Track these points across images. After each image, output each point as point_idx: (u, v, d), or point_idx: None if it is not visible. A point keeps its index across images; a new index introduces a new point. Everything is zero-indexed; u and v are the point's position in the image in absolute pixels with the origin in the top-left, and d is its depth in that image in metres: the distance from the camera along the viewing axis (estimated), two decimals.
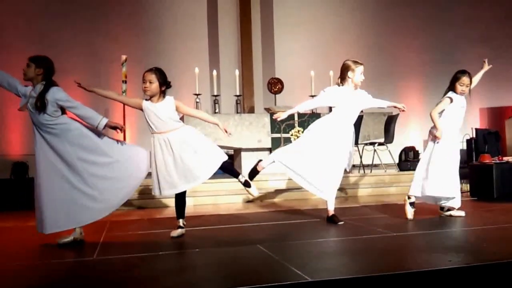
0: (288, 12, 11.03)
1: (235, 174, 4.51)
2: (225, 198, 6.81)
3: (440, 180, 4.78)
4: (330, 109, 5.11)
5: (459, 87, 4.83)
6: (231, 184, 7.09)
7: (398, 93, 10.39)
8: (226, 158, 4.40)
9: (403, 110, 4.98)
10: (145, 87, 4.18)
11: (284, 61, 10.85)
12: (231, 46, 10.89)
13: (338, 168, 4.77)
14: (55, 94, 3.89)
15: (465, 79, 4.82)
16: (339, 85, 4.81)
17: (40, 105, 3.84)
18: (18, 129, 8.55)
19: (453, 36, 10.89)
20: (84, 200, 3.97)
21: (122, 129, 4.20)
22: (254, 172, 4.92)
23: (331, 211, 4.83)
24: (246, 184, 4.48)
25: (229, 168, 4.54)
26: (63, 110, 3.99)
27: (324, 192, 4.76)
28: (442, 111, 4.89)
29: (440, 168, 4.79)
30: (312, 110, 7.66)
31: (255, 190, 4.54)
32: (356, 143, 8.04)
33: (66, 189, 3.94)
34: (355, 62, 4.71)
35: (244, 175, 4.51)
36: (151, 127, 4.24)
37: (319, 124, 4.82)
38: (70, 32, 9.10)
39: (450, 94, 4.88)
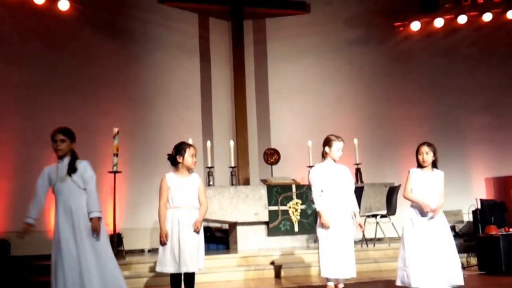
0: (283, 82, 11.50)
1: None
2: (221, 275, 6.81)
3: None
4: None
5: (419, 157, 5.11)
6: (228, 260, 7.19)
7: (398, 163, 10.62)
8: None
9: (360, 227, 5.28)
10: (195, 162, 4.75)
11: (280, 131, 11.20)
12: (225, 116, 11.27)
13: (350, 243, 5.12)
14: (86, 167, 4.33)
15: (420, 148, 5.10)
16: (322, 158, 5.28)
17: (71, 170, 4.25)
18: (0, 205, 8.63)
19: (452, 105, 11.24)
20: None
21: (96, 232, 4.35)
22: None
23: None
24: None
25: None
26: None
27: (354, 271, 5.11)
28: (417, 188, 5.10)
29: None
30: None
31: None
32: None
33: (74, 268, 4.16)
34: (335, 138, 5.19)
35: None
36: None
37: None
38: (59, 105, 9.36)
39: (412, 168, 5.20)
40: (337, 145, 5.15)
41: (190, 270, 4.56)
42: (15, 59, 9.16)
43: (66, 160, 4.31)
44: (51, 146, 4.48)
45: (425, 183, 5.05)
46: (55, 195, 4.32)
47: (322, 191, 5.14)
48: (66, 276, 4.10)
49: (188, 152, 4.67)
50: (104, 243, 4.33)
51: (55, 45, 9.60)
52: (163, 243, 4.53)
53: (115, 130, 8.48)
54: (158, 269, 4.59)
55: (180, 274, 4.58)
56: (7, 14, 9.15)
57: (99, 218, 4.29)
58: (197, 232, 4.61)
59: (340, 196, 5.13)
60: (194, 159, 4.71)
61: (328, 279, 5.10)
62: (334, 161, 5.21)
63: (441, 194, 5.10)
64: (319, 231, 5.12)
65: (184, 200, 4.60)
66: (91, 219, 4.26)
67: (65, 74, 9.62)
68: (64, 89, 9.51)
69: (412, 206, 5.09)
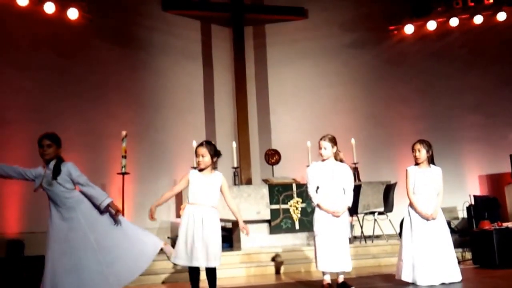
0: (282, 85, 11.57)
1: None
2: (226, 272, 6.83)
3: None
4: None
5: (413, 155, 5.21)
6: (232, 257, 7.21)
7: (394, 162, 10.65)
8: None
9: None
10: (198, 161, 4.67)
11: (280, 133, 11.25)
12: (227, 118, 11.32)
13: (345, 238, 5.11)
14: (70, 168, 4.29)
15: (413, 146, 5.21)
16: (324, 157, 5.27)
17: (55, 173, 4.22)
18: (15, 206, 8.66)
19: (446, 105, 11.27)
20: (93, 273, 4.20)
21: (118, 215, 4.48)
22: None
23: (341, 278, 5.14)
24: None
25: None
26: None
27: (349, 265, 5.12)
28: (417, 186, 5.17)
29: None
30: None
31: None
32: (356, 212, 8.19)
33: (72, 264, 4.17)
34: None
35: None
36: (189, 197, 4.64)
37: (317, 210, 5.17)
38: (69, 110, 9.43)
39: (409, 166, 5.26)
40: (320, 144, 5.26)
41: (205, 266, 4.59)
42: (27, 65, 9.20)
43: (52, 165, 4.31)
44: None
45: (423, 180, 5.07)
46: (48, 197, 4.35)
47: (318, 187, 5.14)
48: (57, 273, 4.14)
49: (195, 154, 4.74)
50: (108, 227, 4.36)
51: (65, 52, 9.65)
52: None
53: (123, 133, 8.54)
54: (174, 260, 4.61)
55: (198, 268, 4.58)
56: (20, 23, 9.21)
57: (111, 202, 4.34)
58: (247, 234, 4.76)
59: (335, 193, 5.11)
60: (198, 159, 4.71)
61: (324, 273, 5.11)
62: (335, 159, 5.22)
63: (440, 191, 5.12)
64: (316, 227, 5.14)
65: (202, 198, 4.62)
66: (107, 207, 4.31)
67: (75, 80, 9.66)
68: (73, 94, 9.56)
69: (411, 204, 5.10)
